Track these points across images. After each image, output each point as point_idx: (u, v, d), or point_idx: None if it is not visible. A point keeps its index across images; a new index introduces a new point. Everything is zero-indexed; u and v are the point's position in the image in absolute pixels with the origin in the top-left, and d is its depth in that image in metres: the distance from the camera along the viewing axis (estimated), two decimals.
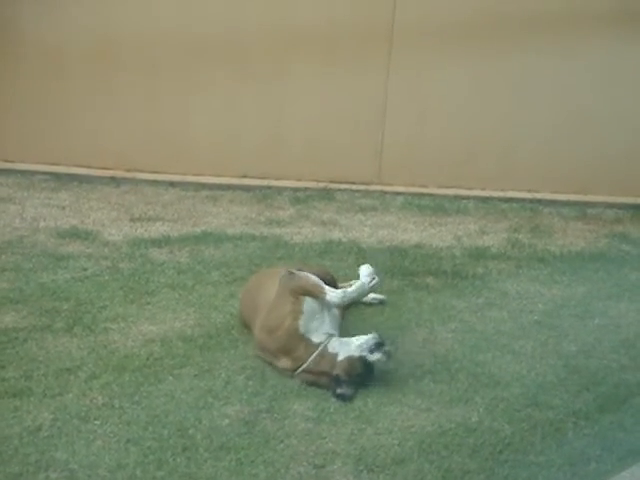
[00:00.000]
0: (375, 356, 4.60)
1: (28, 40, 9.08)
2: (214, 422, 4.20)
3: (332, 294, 4.74)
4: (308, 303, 4.73)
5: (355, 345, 4.63)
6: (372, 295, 5.74)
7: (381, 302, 5.83)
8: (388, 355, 4.61)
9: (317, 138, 9.16)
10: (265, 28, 8.97)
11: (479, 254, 7.00)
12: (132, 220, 7.60)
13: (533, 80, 8.97)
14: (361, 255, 6.84)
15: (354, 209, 8.30)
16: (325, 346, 4.66)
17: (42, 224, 7.32)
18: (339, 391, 4.52)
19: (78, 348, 4.96)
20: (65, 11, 9.05)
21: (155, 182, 8.86)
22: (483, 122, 9.09)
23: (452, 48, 8.93)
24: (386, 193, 8.84)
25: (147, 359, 4.82)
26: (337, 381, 4.55)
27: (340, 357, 4.62)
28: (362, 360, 4.61)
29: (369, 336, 4.65)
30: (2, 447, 3.90)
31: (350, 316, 5.45)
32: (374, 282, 4.86)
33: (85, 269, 6.27)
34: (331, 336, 4.72)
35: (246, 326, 5.23)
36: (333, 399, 4.48)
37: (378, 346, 4.61)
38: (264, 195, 8.63)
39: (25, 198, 8.09)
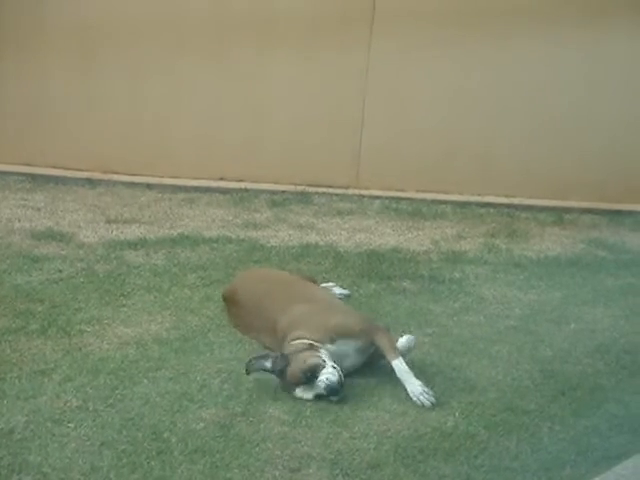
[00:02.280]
0: (330, 377, 4.47)
1: (3, 42, 9.04)
2: (189, 425, 4.18)
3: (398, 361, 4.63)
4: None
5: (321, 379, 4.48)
6: (339, 290, 5.95)
7: (347, 297, 5.93)
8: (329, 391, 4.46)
9: (295, 141, 9.15)
10: (244, 25, 8.96)
11: (456, 258, 7.01)
12: (108, 222, 7.57)
13: (511, 86, 9.00)
14: (338, 259, 6.83)
15: (331, 213, 8.29)
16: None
17: (17, 225, 7.28)
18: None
19: (52, 350, 4.93)
20: (42, 10, 9.01)
21: (132, 184, 8.83)
22: (461, 127, 9.10)
23: (430, 53, 8.94)
24: (364, 197, 8.84)
25: (122, 362, 4.80)
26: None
27: (304, 362, 4.52)
28: (305, 374, 4.49)
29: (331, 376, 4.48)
30: None
31: None
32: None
33: (60, 271, 6.24)
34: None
35: (237, 326, 5.23)
36: (309, 403, 4.47)
37: (331, 388, 4.46)
38: (241, 198, 8.61)
39: (0, 199, 8.03)
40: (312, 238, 7.40)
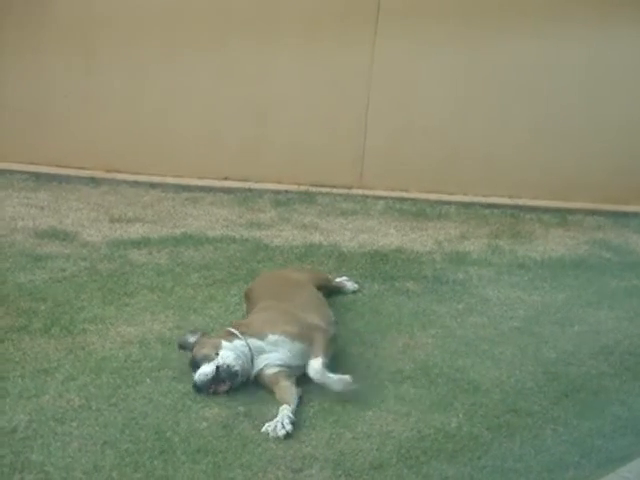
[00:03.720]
0: (201, 372, 4.46)
1: (5, 40, 9.04)
2: (192, 425, 4.18)
3: (316, 366, 4.53)
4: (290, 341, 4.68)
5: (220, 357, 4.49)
6: (351, 284, 6.15)
7: (354, 291, 6.09)
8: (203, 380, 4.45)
9: (299, 141, 9.14)
10: (248, 24, 8.96)
11: (460, 259, 7.00)
12: (111, 221, 7.56)
13: (515, 86, 8.98)
14: (341, 259, 6.83)
15: (335, 213, 8.28)
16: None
17: (20, 224, 7.27)
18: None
19: (55, 349, 4.92)
20: (45, 9, 9.01)
21: (135, 183, 8.81)
22: (465, 127, 9.08)
23: (434, 53, 8.94)
24: (367, 197, 8.82)
25: (125, 361, 4.79)
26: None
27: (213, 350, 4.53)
28: (192, 362, 4.54)
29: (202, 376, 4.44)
30: None
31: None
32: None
33: (63, 270, 6.23)
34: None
35: None
36: (312, 403, 4.47)
37: (197, 386, 4.45)
38: (245, 198, 8.60)
39: (3, 197, 8.04)
40: (316, 238, 7.39)
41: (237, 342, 4.58)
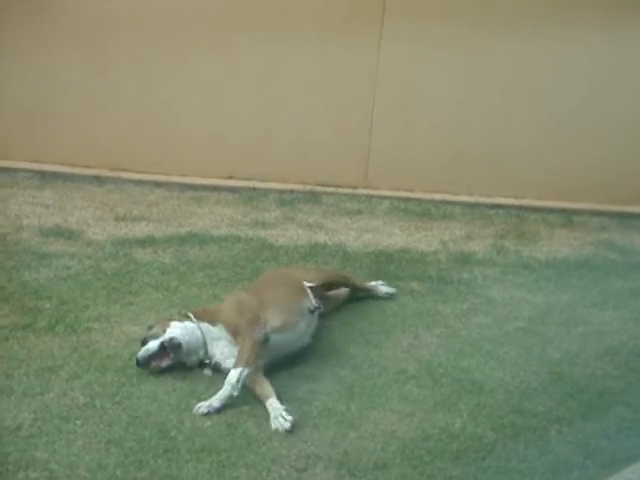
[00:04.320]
0: (145, 347, 4.63)
1: (11, 39, 9.05)
2: (196, 424, 4.18)
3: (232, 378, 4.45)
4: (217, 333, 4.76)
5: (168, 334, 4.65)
6: (385, 289, 6.02)
7: (391, 295, 6.00)
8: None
9: (304, 140, 9.15)
10: (254, 24, 8.97)
11: (465, 260, 6.99)
12: (116, 219, 7.57)
13: (521, 86, 8.98)
14: (346, 258, 6.83)
15: (340, 212, 8.28)
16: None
17: (25, 222, 7.29)
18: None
19: (60, 347, 4.93)
20: (51, 7, 9.03)
21: (140, 182, 8.83)
22: (471, 128, 9.08)
23: (439, 53, 8.94)
24: (372, 197, 8.82)
25: (129, 359, 4.79)
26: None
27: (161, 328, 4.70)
28: (144, 341, 4.69)
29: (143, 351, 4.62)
30: None
31: (335, 321, 5.44)
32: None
33: (68, 268, 6.24)
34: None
35: None
36: (316, 403, 4.47)
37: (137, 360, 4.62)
38: (250, 197, 8.61)
39: (9, 196, 8.05)
40: (320, 237, 7.39)
41: (187, 323, 4.74)
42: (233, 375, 4.42)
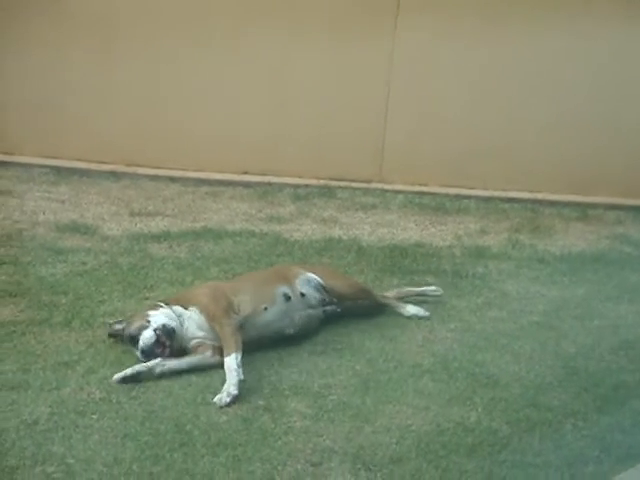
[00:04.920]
0: (143, 338, 4.65)
1: (27, 35, 9.08)
2: (211, 418, 4.19)
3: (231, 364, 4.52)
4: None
5: (153, 324, 4.69)
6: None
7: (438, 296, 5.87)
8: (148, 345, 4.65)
9: (318, 135, 9.15)
10: (268, 18, 8.98)
11: (479, 254, 6.99)
12: (132, 215, 7.60)
13: (536, 80, 8.96)
14: (361, 253, 6.83)
15: (354, 207, 8.28)
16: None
17: (41, 218, 7.32)
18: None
19: (76, 342, 4.95)
20: (64, 2, 9.06)
21: (155, 177, 8.85)
22: (485, 121, 9.07)
23: (454, 46, 8.93)
24: (387, 191, 8.82)
25: None
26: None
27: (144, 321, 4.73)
28: (130, 339, 4.75)
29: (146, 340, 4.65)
30: None
31: (350, 315, 5.43)
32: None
33: (84, 263, 6.26)
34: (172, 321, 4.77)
35: None
36: (331, 397, 4.48)
37: (145, 352, 4.64)
38: (264, 192, 8.62)
39: (25, 191, 8.09)
40: (335, 232, 7.40)
41: (162, 309, 4.83)
42: (231, 362, 4.49)
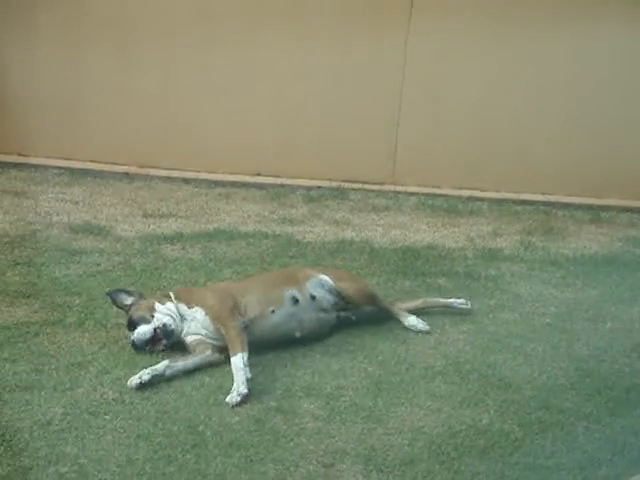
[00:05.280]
0: (139, 332, 4.83)
1: (42, 36, 9.11)
2: (224, 419, 4.20)
3: (238, 363, 4.59)
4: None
5: (157, 318, 4.85)
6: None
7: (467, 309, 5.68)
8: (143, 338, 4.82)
9: (331, 137, 9.16)
10: (280, 20, 8.99)
11: (492, 256, 6.99)
12: (145, 216, 7.61)
13: (548, 82, 8.95)
14: (373, 255, 6.84)
15: (367, 209, 8.29)
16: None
17: (55, 219, 7.34)
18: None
19: (89, 343, 4.97)
20: (79, 4, 9.09)
21: (168, 178, 8.88)
22: (498, 124, 9.06)
23: (467, 48, 8.92)
24: (399, 193, 8.83)
25: (158, 355, 4.82)
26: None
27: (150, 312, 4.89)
28: (129, 323, 4.91)
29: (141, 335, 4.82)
30: (13, 440, 3.91)
31: (362, 317, 5.43)
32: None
33: (98, 264, 6.28)
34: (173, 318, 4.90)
35: None
36: (343, 399, 4.48)
37: (135, 344, 4.82)
38: (277, 193, 8.63)
39: (39, 193, 8.11)
40: (347, 234, 7.41)
41: (169, 304, 4.95)
42: (238, 362, 4.55)
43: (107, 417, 4.17)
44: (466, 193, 8.85)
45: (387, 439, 4.11)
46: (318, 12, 8.99)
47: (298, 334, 5.06)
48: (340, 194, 8.68)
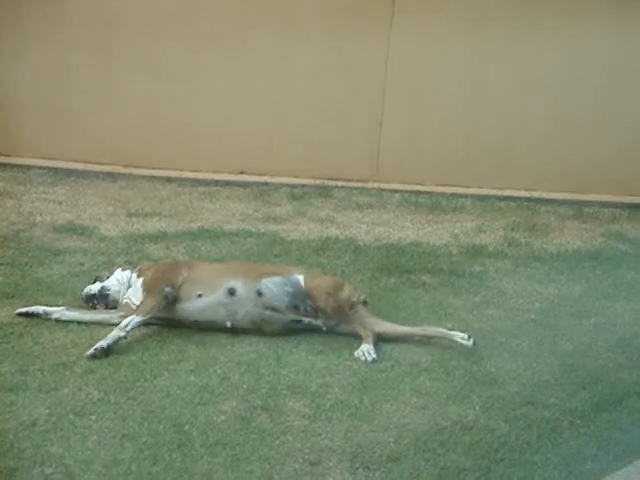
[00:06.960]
0: (88, 288, 5.42)
1: (25, 37, 9.09)
2: (210, 418, 4.19)
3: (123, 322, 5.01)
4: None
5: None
6: (461, 339, 5.07)
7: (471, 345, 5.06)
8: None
9: (315, 135, 9.17)
10: (264, 21, 9.00)
11: (476, 252, 7.00)
12: (129, 215, 7.60)
13: (532, 80, 8.98)
14: (357, 252, 6.84)
15: (351, 206, 8.30)
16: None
17: (39, 219, 7.32)
18: None
19: (74, 343, 4.95)
20: (63, 5, 9.07)
21: (152, 178, 8.87)
22: (480, 121, 9.09)
23: (450, 47, 8.95)
24: (383, 191, 8.84)
25: (143, 354, 4.82)
26: None
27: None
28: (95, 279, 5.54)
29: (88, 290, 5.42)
30: None
31: None
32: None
33: (81, 264, 6.27)
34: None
35: None
36: (329, 396, 4.48)
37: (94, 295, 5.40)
38: (261, 191, 8.63)
39: (22, 192, 8.09)
40: (332, 232, 7.41)
41: (126, 272, 5.47)
42: (125, 321, 4.96)
43: (92, 417, 4.15)
44: (449, 190, 8.88)
45: (373, 436, 4.11)
46: (302, 13, 9.00)
47: (229, 324, 5.14)
48: (324, 192, 8.69)
